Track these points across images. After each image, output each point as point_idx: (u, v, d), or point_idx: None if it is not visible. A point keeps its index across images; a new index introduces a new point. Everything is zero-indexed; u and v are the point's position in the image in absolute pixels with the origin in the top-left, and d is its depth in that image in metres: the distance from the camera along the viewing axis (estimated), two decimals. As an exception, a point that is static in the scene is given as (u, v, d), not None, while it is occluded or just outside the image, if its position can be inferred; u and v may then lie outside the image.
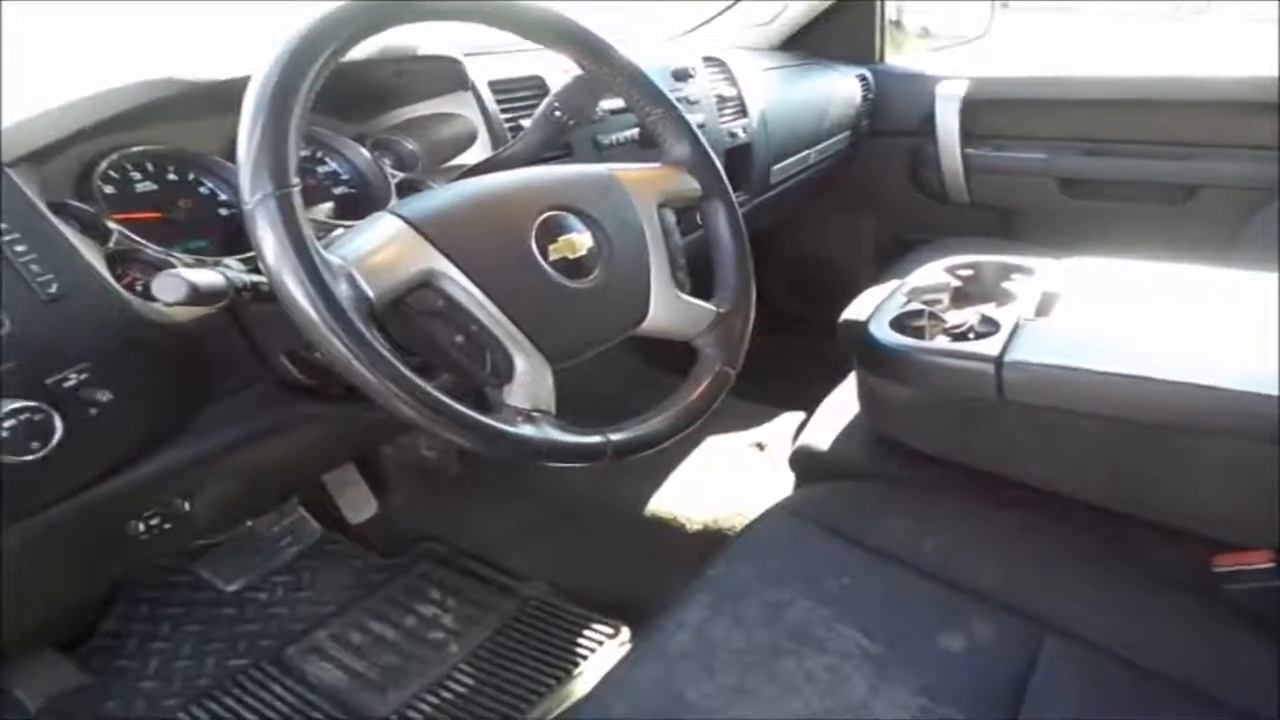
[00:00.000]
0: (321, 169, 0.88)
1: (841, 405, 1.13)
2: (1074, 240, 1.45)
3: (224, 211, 0.81)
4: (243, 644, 1.28)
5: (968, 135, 1.77)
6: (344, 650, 1.27)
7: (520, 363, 0.62)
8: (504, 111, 0.99)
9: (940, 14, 2.08)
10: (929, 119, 1.79)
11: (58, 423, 0.59)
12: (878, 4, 1.91)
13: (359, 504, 1.47)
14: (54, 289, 0.61)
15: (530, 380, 0.62)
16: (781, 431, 1.59)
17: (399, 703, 1.18)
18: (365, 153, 0.88)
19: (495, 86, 0.99)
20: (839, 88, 1.79)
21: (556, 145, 0.89)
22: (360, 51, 0.62)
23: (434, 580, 1.39)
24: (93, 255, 0.65)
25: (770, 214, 1.64)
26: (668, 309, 0.75)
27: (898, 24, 2.04)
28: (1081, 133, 1.71)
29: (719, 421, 1.22)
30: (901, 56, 1.99)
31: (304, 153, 0.84)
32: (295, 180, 0.54)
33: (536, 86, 1.04)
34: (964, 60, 1.93)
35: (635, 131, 1.15)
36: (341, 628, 1.31)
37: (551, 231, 0.68)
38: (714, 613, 0.83)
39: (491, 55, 1.03)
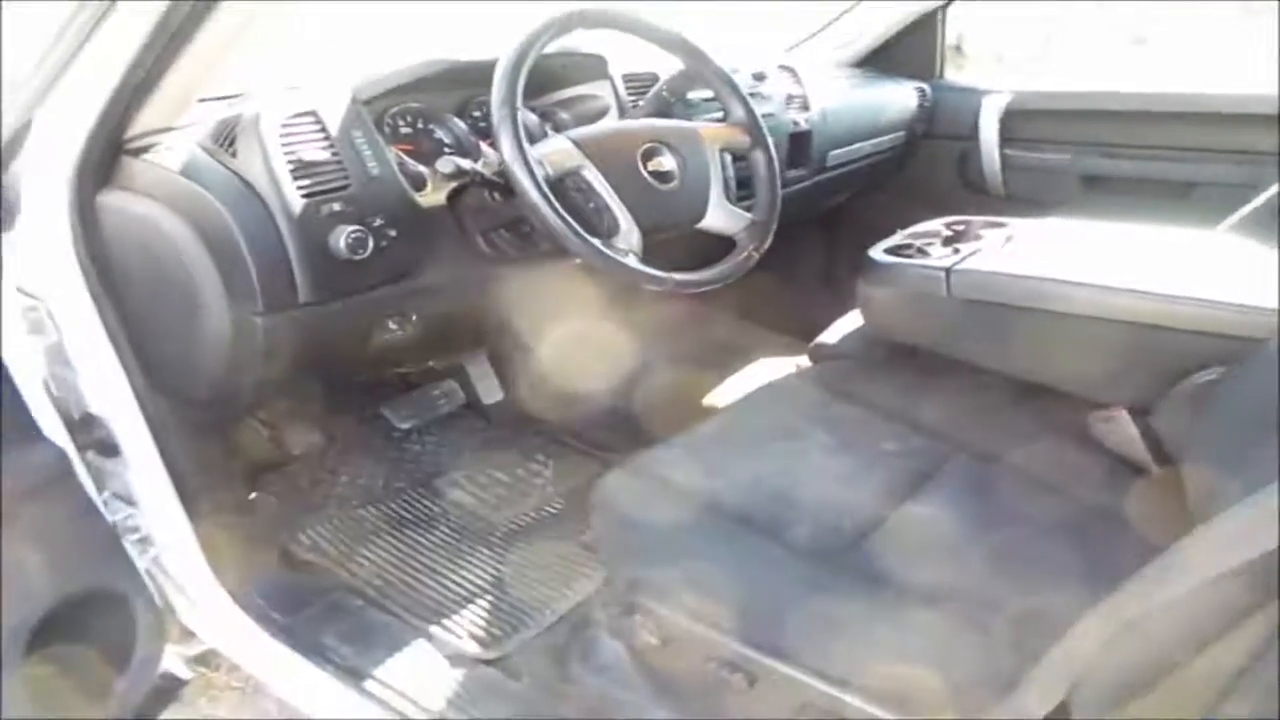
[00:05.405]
0: None
1: (849, 321, 1.55)
2: None
3: (445, 151, 1.30)
4: (403, 470, 1.78)
5: (1006, 139, 2.13)
6: (471, 483, 1.75)
7: (624, 224, 1.09)
8: (629, 95, 1.47)
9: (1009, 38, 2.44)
10: (977, 125, 2.17)
11: (370, 242, 1.08)
12: (939, 29, 2.30)
13: (490, 389, 1.96)
14: (375, 171, 1.11)
15: (630, 235, 1.09)
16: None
17: (512, 514, 1.66)
18: (535, 118, 1.35)
19: (625, 78, 1.49)
20: (895, 95, 2.19)
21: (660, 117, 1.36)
22: (552, 45, 1.09)
23: (542, 449, 1.86)
24: (391, 158, 1.15)
25: (829, 194, 2.06)
26: (720, 212, 1.22)
27: (959, 49, 2.41)
28: (1101, 139, 2.04)
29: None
30: (961, 75, 2.36)
31: None
32: (519, 105, 1.02)
33: (651, 79, 1.52)
34: (1015, 77, 2.28)
35: (716, 115, 1.60)
36: (471, 470, 1.79)
37: (651, 154, 1.15)
38: (731, 423, 1.25)
39: (621, 57, 1.51)
